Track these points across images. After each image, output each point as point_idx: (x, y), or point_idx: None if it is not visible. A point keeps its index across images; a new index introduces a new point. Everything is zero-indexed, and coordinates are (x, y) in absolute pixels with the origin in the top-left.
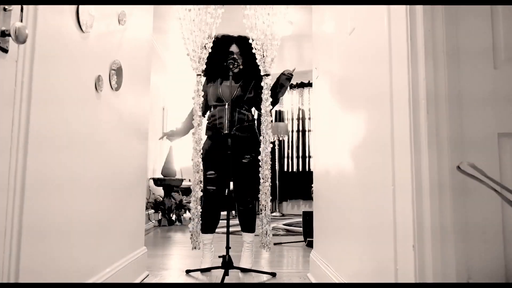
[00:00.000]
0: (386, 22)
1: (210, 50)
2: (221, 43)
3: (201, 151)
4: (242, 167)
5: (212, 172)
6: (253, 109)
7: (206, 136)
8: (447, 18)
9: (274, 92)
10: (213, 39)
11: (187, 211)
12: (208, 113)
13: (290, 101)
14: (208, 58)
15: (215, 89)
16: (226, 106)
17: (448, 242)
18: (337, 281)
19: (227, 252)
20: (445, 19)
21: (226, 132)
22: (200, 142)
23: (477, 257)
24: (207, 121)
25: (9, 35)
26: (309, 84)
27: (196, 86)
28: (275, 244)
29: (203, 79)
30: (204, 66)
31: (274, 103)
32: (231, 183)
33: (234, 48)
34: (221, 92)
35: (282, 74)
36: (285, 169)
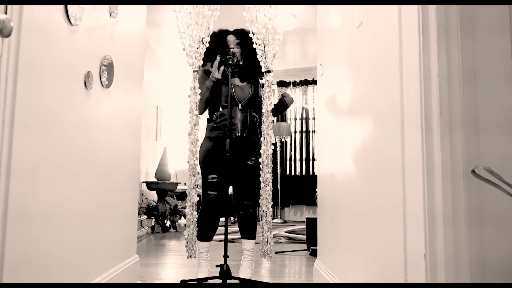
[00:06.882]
0: (396, 14)
1: (207, 45)
2: (218, 36)
3: (199, 153)
4: (247, 170)
5: (215, 176)
6: None
7: (205, 137)
8: (461, 10)
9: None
10: (210, 34)
11: (182, 217)
12: (208, 111)
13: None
14: (205, 53)
15: (226, 89)
16: (240, 108)
17: (462, 252)
18: None
19: (225, 261)
20: (459, 11)
21: (238, 134)
22: (197, 143)
23: (494, 257)
24: (215, 121)
25: None
26: (314, 82)
27: (192, 83)
28: (276, 252)
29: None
30: (201, 62)
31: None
32: (230, 188)
33: (230, 37)
34: (233, 92)
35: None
36: (288, 172)
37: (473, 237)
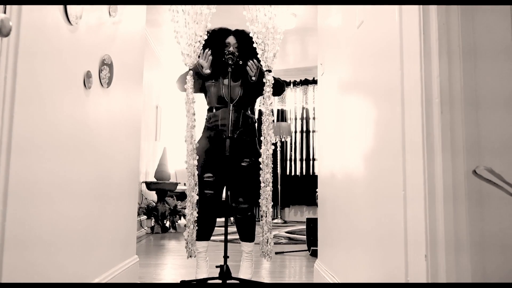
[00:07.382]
0: (397, 14)
1: (203, 43)
2: (217, 35)
3: (196, 152)
4: (241, 171)
5: (210, 174)
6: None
7: (202, 134)
8: (463, 10)
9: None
10: (209, 32)
11: (182, 217)
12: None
13: (293, 99)
14: (203, 49)
15: (217, 89)
16: (231, 108)
17: (463, 253)
18: None
19: (225, 261)
20: (460, 11)
21: (230, 135)
22: (195, 143)
23: (494, 269)
24: (208, 121)
25: None
26: (314, 81)
27: (190, 82)
28: (276, 253)
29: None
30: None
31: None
32: (228, 188)
33: (231, 39)
34: (224, 93)
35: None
36: (288, 172)
37: (475, 231)
